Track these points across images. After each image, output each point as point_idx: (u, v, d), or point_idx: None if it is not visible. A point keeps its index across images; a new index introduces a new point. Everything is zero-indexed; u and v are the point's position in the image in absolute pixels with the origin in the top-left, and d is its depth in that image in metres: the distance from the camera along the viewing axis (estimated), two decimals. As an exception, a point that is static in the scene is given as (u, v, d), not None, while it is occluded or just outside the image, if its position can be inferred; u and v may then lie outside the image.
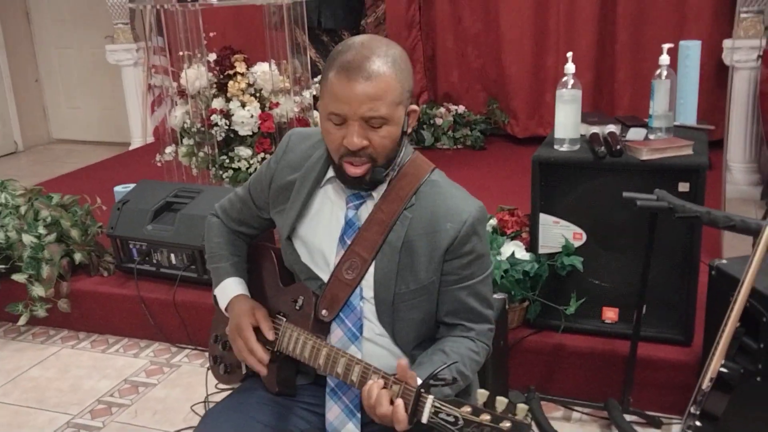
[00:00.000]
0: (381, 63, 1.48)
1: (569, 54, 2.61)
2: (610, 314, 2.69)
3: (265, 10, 3.90)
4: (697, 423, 1.93)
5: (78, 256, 3.43)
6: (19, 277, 3.28)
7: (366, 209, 1.63)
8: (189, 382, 2.97)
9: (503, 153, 5.07)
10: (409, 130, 1.61)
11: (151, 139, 5.70)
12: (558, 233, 2.65)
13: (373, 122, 1.49)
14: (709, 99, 4.52)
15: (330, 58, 1.53)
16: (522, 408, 1.32)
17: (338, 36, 4.22)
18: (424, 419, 1.36)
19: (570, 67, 2.56)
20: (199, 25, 3.74)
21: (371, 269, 1.61)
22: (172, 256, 3.29)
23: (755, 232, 2.00)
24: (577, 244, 2.64)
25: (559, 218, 2.64)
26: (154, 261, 3.34)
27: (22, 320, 3.33)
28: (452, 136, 5.24)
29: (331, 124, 1.52)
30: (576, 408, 2.70)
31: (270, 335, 1.65)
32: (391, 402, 1.41)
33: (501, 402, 1.33)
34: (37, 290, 3.28)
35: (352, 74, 1.46)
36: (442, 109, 5.31)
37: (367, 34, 1.65)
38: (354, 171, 1.54)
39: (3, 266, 3.38)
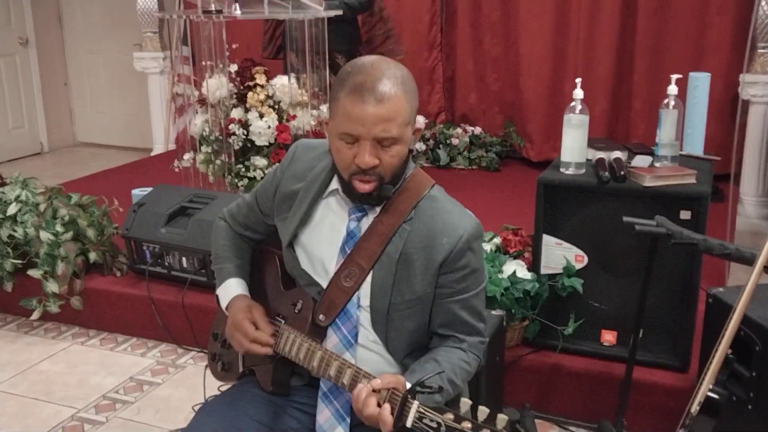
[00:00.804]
0: (391, 85, 1.51)
1: (578, 80, 2.64)
2: (609, 337, 2.70)
3: (287, 25, 3.99)
4: (684, 446, 1.94)
5: (93, 255, 3.48)
6: (34, 273, 3.34)
7: (367, 221, 1.66)
8: (193, 383, 3.00)
9: (517, 175, 5.09)
10: (414, 147, 1.66)
11: (172, 147, 5.76)
12: (560, 255, 2.66)
13: (385, 142, 1.53)
14: (724, 131, 4.53)
15: (339, 80, 1.56)
16: (502, 418, 1.35)
17: (354, 56, 4.27)
18: (409, 423, 1.39)
19: (578, 93, 2.59)
20: (223, 37, 3.82)
21: (369, 278, 1.64)
22: (184, 259, 3.33)
23: (749, 261, 2.02)
24: (578, 266, 2.65)
25: (561, 240, 2.66)
26: (166, 263, 3.38)
27: (35, 315, 3.40)
28: (468, 156, 5.28)
29: (342, 144, 1.55)
30: (570, 428, 2.71)
31: (268, 329, 1.68)
32: (379, 405, 1.44)
33: (482, 411, 1.35)
34: (52, 286, 3.33)
35: (366, 96, 1.49)
36: (459, 130, 5.35)
37: (375, 56, 1.69)
38: (363, 188, 1.57)
39: (20, 261, 3.44)
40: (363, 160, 1.52)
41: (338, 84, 1.56)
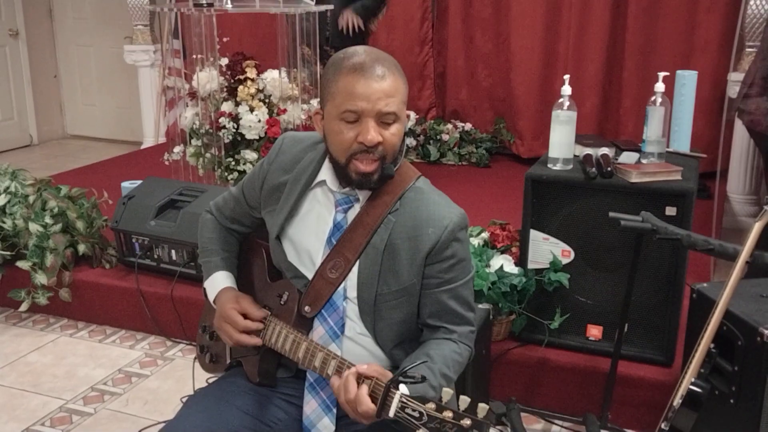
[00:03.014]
0: (388, 65, 1.56)
1: (566, 77, 2.65)
2: (594, 331, 2.72)
3: (279, 19, 3.99)
4: (666, 439, 1.97)
5: (82, 248, 3.47)
6: (23, 264, 3.34)
7: (353, 212, 1.67)
8: (181, 375, 3.02)
9: (506, 171, 5.10)
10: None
11: (162, 140, 5.75)
12: (547, 249, 2.68)
13: (387, 118, 1.55)
14: (711, 129, 4.56)
15: (334, 66, 1.58)
16: (483, 408, 1.35)
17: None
18: (391, 413, 1.40)
19: (566, 89, 2.60)
20: (214, 30, 3.82)
21: (354, 269, 1.65)
22: (173, 252, 3.34)
23: (732, 257, 2.04)
24: (565, 261, 2.67)
25: (548, 235, 2.67)
26: (155, 256, 3.38)
27: (24, 306, 3.39)
28: (458, 152, 5.29)
29: (344, 124, 1.56)
30: (555, 421, 2.72)
31: (258, 314, 1.68)
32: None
33: (464, 401, 1.36)
34: (40, 278, 3.33)
35: (368, 73, 1.53)
36: (449, 126, 5.36)
37: (364, 45, 1.71)
38: (366, 168, 1.57)
39: (8, 253, 3.44)
40: (368, 136, 1.54)
41: (334, 69, 1.58)
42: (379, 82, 1.53)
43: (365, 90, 1.53)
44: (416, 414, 1.38)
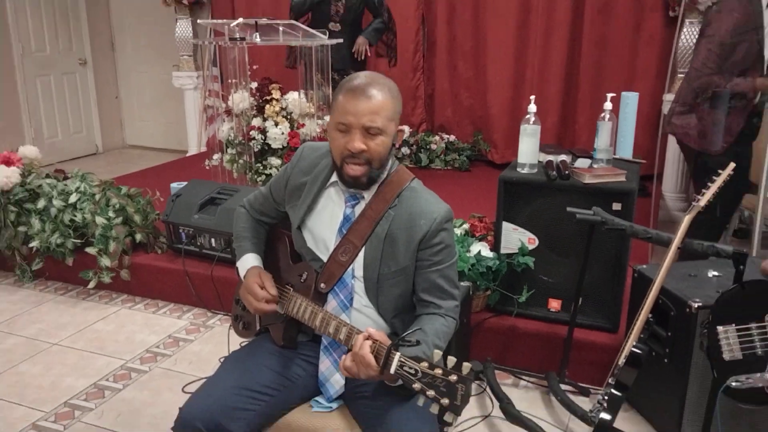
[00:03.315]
0: (379, 88, 1.57)
1: (532, 97, 2.66)
2: (555, 304, 2.72)
3: (298, 50, 3.98)
4: (612, 391, 1.97)
5: (138, 236, 3.48)
6: (91, 250, 3.35)
7: (360, 207, 1.67)
8: (220, 339, 3.03)
9: (483, 175, 5.08)
10: (398, 145, 1.67)
11: (204, 149, 5.75)
12: (516, 238, 2.68)
13: (372, 131, 1.56)
14: (649, 140, 4.55)
15: (339, 86, 1.61)
16: (466, 366, 1.36)
17: (346, 74, 4.29)
18: (392, 370, 1.40)
19: (532, 107, 2.60)
20: (245, 59, 3.81)
21: (361, 254, 1.65)
22: (213, 240, 3.34)
23: (666, 243, 2.05)
24: (531, 247, 2.67)
25: (517, 226, 2.67)
26: (198, 243, 3.39)
27: (92, 284, 3.40)
28: (444, 159, 5.28)
29: (338, 133, 1.58)
30: (523, 377, 2.73)
31: (273, 291, 1.68)
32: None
33: (451, 360, 1.37)
34: (105, 261, 3.34)
35: (358, 95, 1.55)
36: (437, 137, 5.34)
37: (368, 71, 1.71)
38: (353, 172, 1.59)
39: (79, 241, 3.44)
40: (353, 144, 1.56)
41: (338, 89, 1.61)
42: (366, 102, 1.54)
43: (354, 108, 1.55)
44: (412, 371, 1.39)
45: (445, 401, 1.34)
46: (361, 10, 4.44)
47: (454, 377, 1.34)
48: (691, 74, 2.93)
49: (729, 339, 1.84)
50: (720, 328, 1.85)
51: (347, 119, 1.55)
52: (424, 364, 1.38)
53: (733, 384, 1.78)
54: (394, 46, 4.89)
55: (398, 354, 1.41)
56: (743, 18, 2.74)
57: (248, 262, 1.80)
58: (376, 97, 1.55)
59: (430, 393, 1.35)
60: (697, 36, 4.14)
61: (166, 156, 6.42)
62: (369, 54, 4.47)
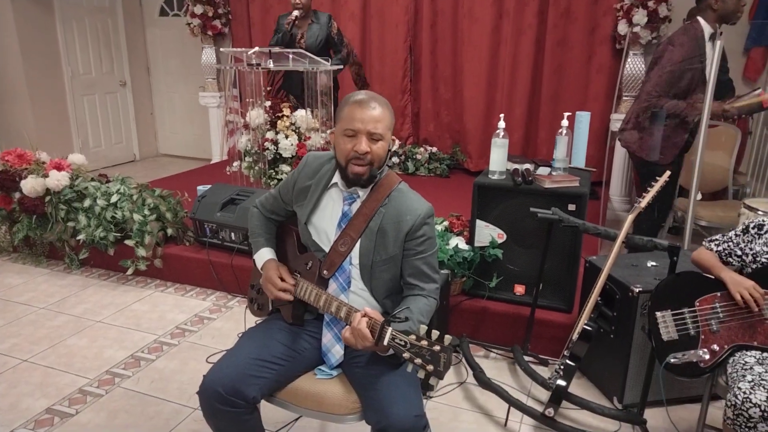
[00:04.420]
0: (380, 102, 1.59)
1: (501, 115, 2.65)
2: (519, 289, 2.72)
3: (305, 74, 3.97)
4: (567, 361, 1.98)
5: (170, 231, 3.46)
6: (129, 242, 3.33)
7: (356, 205, 1.66)
8: (238, 318, 3.02)
9: (461, 180, 5.08)
10: (391, 151, 1.67)
11: (225, 157, 5.72)
12: (488, 233, 2.68)
13: (375, 136, 1.57)
14: (599, 152, 4.58)
15: (344, 102, 1.62)
16: (448, 338, 1.36)
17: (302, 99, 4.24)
18: (385, 342, 1.41)
19: (502, 124, 2.59)
20: (260, 82, 3.80)
21: (357, 245, 1.64)
22: (233, 234, 3.32)
23: (612, 238, 2.06)
24: (500, 241, 2.68)
25: (489, 223, 2.68)
26: (220, 237, 3.37)
27: (130, 271, 3.38)
28: (427, 167, 5.26)
29: (345, 138, 1.58)
30: (492, 350, 2.73)
31: (291, 280, 1.69)
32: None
33: (435, 334, 1.37)
34: (141, 252, 3.32)
35: (363, 106, 1.57)
36: (422, 149, 5.33)
37: (367, 90, 1.72)
38: (358, 170, 1.59)
39: (119, 234, 3.42)
40: (360, 147, 1.56)
41: (344, 102, 1.62)
42: (371, 112, 1.56)
43: (361, 116, 1.56)
44: (402, 343, 1.39)
45: (430, 367, 1.34)
46: (321, 46, 4.27)
47: (437, 347, 1.35)
48: (642, 97, 2.94)
49: (666, 322, 1.85)
50: (658, 314, 1.86)
51: (355, 125, 1.56)
52: (412, 337, 1.38)
53: (672, 360, 1.79)
54: (362, 74, 4.84)
55: (390, 329, 1.41)
56: (691, 51, 2.76)
57: (264, 255, 1.79)
58: (378, 108, 1.57)
59: (418, 361, 1.35)
60: (642, 64, 4.19)
61: (194, 163, 6.39)
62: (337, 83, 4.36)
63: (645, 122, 2.93)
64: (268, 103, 3.88)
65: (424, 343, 1.36)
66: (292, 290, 1.67)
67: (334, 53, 4.36)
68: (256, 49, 3.71)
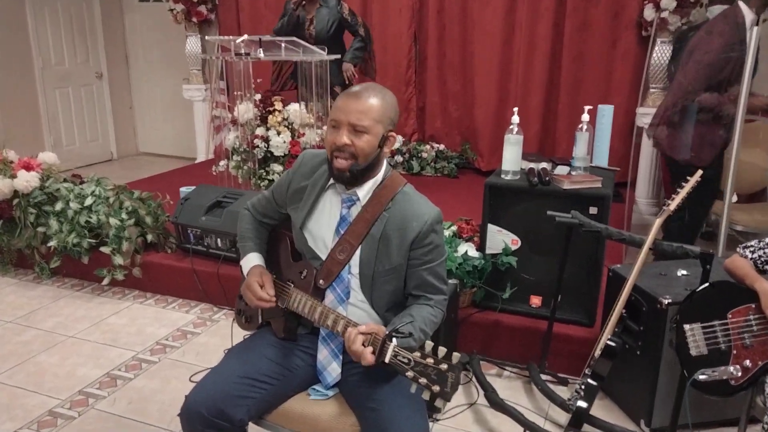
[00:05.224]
0: (372, 94, 1.60)
1: (515, 109, 2.65)
2: (536, 300, 2.72)
3: (299, 65, 3.98)
4: (588, 380, 1.98)
5: (150, 237, 3.46)
6: (105, 249, 3.33)
7: (356, 209, 1.66)
8: (225, 332, 3.01)
9: (471, 181, 5.08)
10: (387, 150, 1.66)
11: (211, 156, 5.71)
12: (500, 239, 2.68)
13: (358, 128, 1.58)
14: (624, 149, 4.57)
15: (340, 94, 1.65)
16: (456, 356, 1.35)
17: (333, 90, 4.27)
18: (387, 359, 1.40)
19: (515, 119, 2.59)
20: (250, 73, 3.81)
21: (357, 252, 1.64)
22: (219, 240, 3.33)
23: (639, 245, 2.05)
24: (514, 247, 2.67)
25: (501, 228, 2.67)
26: (205, 243, 3.37)
27: (106, 281, 3.38)
28: (434, 166, 5.27)
29: (330, 129, 1.62)
30: (506, 368, 2.73)
31: (271, 292, 1.67)
32: (364, 346, 1.46)
33: (441, 351, 1.37)
34: (118, 259, 3.32)
35: (351, 97, 1.60)
36: (428, 146, 5.34)
37: (371, 82, 1.74)
38: (339, 164, 1.60)
39: (94, 240, 3.42)
40: (338, 138, 1.58)
41: (338, 96, 1.65)
42: (356, 103, 1.58)
43: (345, 107, 1.59)
44: (405, 360, 1.38)
45: (436, 388, 1.33)
46: (333, 31, 4.32)
47: (444, 366, 1.34)
48: (676, 91, 2.92)
49: (695, 336, 1.85)
50: (686, 327, 1.85)
51: (337, 116, 1.59)
52: (417, 354, 1.38)
53: (700, 377, 1.79)
54: (370, 59, 4.85)
55: (392, 344, 1.41)
56: (731, 40, 2.75)
57: (251, 261, 1.79)
58: (367, 99, 1.58)
59: (422, 380, 1.35)
60: (671, 54, 4.18)
61: (177, 162, 6.40)
62: (356, 75, 4.43)
63: (679, 119, 2.91)
64: (258, 97, 3.88)
65: (430, 361, 1.35)
66: (271, 299, 1.66)
67: (353, 36, 4.38)
68: (245, 37, 3.72)
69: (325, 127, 3.91)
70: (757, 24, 2.74)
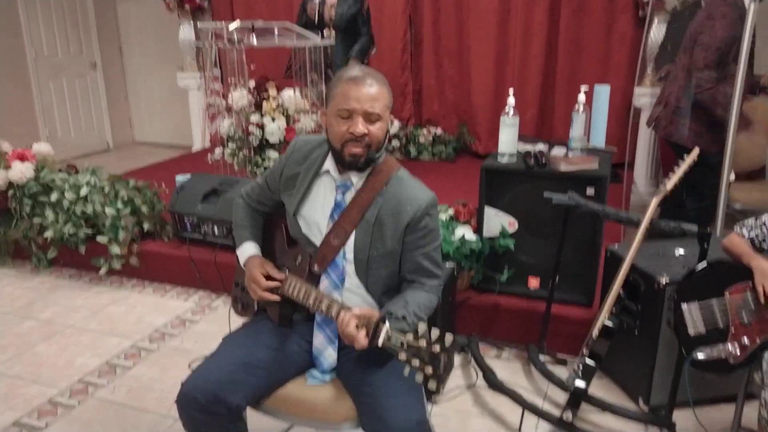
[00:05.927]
0: (377, 79, 1.57)
1: (511, 90, 2.63)
2: (534, 282, 2.72)
3: (293, 51, 3.95)
4: (587, 360, 1.98)
5: (146, 225, 3.46)
6: (101, 239, 3.33)
7: (350, 194, 1.65)
8: (223, 320, 3.00)
9: (468, 165, 5.05)
10: (389, 133, 1.66)
11: (207, 144, 5.69)
12: (497, 221, 2.67)
13: (372, 116, 1.55)
14: (621, 130, 4.55)
15: (337, 79, 1.60)
16: (449, 337, 1.35)
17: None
18: (380, 343, 1.40)
19: (511, 101, 2.58)
20: (243, 60, 3.77)
21: (352, 238, 1.63)
22: (215, 228, 3.32)
23: (636, 224, 2.05)
24: (511, 230, 2.67)
25: (499, 210, 2.67)
26: (202, 231, 3.37)
27: (103, 270, 3.38)
28: (431, 150, 5.25)
29: (339, 119, 1.56)
30: (505, 349, 2.74)
31: (279, 276, 1.67)
32: (358, 328, 1.45)
33: (435, 333, 1.36)
34: (115, 249, 3.32)
35: (360, 82, 1.54)
36: (425, 131, 5.32)
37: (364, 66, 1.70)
38: (355, 150, 1.56)
39: (90, 230, 3.42)
40: (356, 128, 1.54)
41: (336, 79, 1.59)
42: (367, 90, 1.54)
43: (357, 94, 1.53)
44: (398, 343, 1.38)
45: (429, 370, 1.33)
46: (351, 18, 4.34)
47: (437, 348, 1.34)
48: (686, 78, 2.85)
49: (693, 315, 1.85)
50: (684, 306, 1.85)
51: (350, 105, 1.54)
52: (410, 336, 1.37)
53: (699, 356, 1.79)
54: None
55: (385, 327, 1.40)
56: (734, 20, 2.71)
57: (248, 250, 1.78)
58: (375, 86, 1.55)
59: (415, 362, 1.35)
60: (664, 33, 4.13)
61: (173, 152, 6.37)
62: None
63: (692, 109, 2.86)
64: (252, 84, 3.85)
65: (423, 343, 1.35)
66: (277, 286, 1.66)
67: (357, 31, 4.37)
68: (237, 23, 3.68)
69: (321, 113, 3.90)
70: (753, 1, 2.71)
